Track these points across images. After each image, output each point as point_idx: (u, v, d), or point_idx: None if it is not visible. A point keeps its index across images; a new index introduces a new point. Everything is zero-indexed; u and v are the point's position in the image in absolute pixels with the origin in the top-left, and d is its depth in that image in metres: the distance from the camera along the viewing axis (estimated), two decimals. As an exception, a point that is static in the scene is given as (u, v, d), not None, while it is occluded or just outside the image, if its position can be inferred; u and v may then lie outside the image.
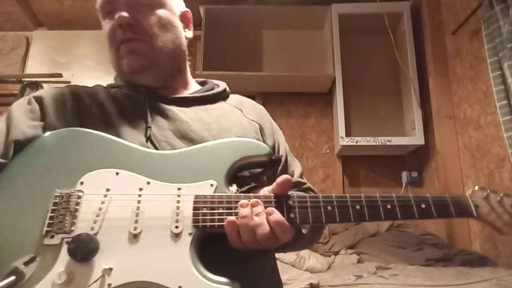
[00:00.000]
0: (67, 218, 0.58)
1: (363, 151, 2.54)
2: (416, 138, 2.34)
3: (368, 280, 1.47)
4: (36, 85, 2.71)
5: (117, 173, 0.63)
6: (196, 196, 0.62)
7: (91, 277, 0.54)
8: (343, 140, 2.36)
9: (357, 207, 0.63)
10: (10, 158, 0.64)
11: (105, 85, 0.85)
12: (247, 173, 0.71)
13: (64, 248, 0.55)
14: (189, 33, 0.86)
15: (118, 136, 0.69)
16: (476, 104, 2.01)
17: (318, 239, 0.85)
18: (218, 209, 0.61)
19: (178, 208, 0.61)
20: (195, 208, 0.61)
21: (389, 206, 0.63)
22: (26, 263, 0.54)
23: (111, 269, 0.55)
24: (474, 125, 2.02)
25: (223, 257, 0.62)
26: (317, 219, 0.62)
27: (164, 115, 0.75)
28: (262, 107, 0.93)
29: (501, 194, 0.67)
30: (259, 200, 0.61)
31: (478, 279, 1.40)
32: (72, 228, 0.57)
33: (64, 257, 0.55)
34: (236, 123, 0.79)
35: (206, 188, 0.63)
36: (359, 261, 1.93)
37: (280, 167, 0.82)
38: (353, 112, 2.58)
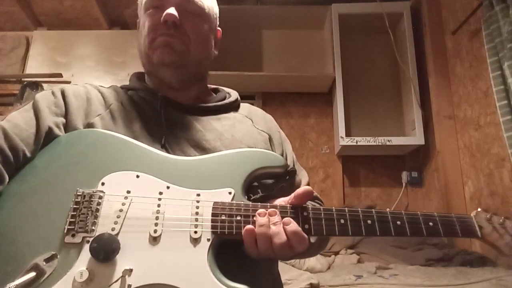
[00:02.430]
0: (88, 217, 0.59)
1: (363, 151, 2.54)
2: (416, 138, 2.34)
3: (368, 280, 1.47)
4: (36, 85, 2.71)
5: (137, 176, 0.64)
6: (215, 203, 0.63)
7: (112, 277, 0.55)
8: (343, 140, 2.36)
9: (369, 221, 0.65)
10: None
11: (115, 84, 0.88)
12: (257, 183, 0.73)
13: (86, 247, 0.56)
14: (216, 51, 0.89)
15: (136, 138, 0.71)
16: (476, 104, 2.01)
17: (323, 248, 0.87)
18: (236, 217, 0.62)
19: (197, 213, 0.62)
20: (214, 215, 0.62)
21: (399, 223, 0.65)
22: (47, 260, 0.55)
23: (131, 270, 0.55)
24: (474, 125, 2.02)
25: (233, 261, 0.63)
26: (330, 231, 0.64)
27: (179, 123, 0.77)
28: (271, 117, 0.95)
29: (503, 217, 0.70)
30: (276, 210, 0.63)
31: (478, 279, 1.40)
32: (93, 228, 0.58)
33: (85, 256, 0.55)
34: (247, 133, 0.82)
35: (224, 195, 0.65)
36: (359, 261, 1.93)
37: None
38: (353, 112, 2.58)
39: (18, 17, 2.91)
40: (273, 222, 0.61)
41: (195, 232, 0.60)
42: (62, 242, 0.57)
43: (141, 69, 0.90)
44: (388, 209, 0.67)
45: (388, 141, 2.34)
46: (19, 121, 0.67)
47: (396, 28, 2.61)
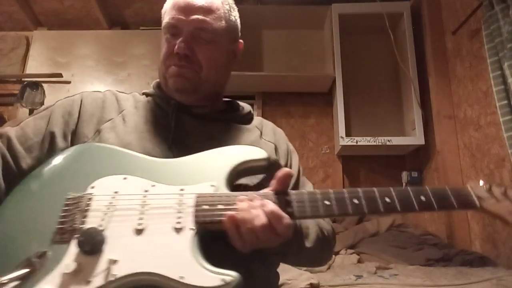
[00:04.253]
0: (77, 216, 0.63)
1: (363, 151, 2.54)
2: (416, 138, 2.34)
3: (368, 280, 1.47)
4: (36, 85, 2.71)
5: (124, 178, 0.69)
6: (198, 195, 0.65)
7: (98, 267, 0.57)
8: (343, 140, 2.36)
9: (355, 200, 0.63)
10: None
11: (110, 87, 0.93)
12: (250, 183, 0.74)
13: (73, 242, 0.60)
14: (236, 64, 0.95)
15: (143, 140, 0.77)
16: (476, 104, 2.01)
17: (326, 257, 0.86)
18: (218, 206, 0.63)
19: (180, 205, 0.64)
20: (196, 205, 0.63)
21: (388, 200, 0.63)
22: (39, 257, 0.59)
23: (116, 261, 0.58)
24: (474, 125, 2.02)
25: (228, 258, 0.62)
26: (315, 212, 0.63)
27: (188, 128, 0.81)
28: (281, 130, 0.97)
29: (504, 187, 0.67)
30: (256, 195, 0.63)
31: (478, 279, 1.40)
32: (82, 226, 0.62)
33: (73, 250, 0.59)
34: (254, 142, 0.83)
35: (207, 188, 0.66)
36: (359, 261, 1.92)
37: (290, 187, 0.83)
38: (353, 112, 2.58)
39: (18, 17, 2.91)
40: (253, 206, 0.61)
41: (178, 222, 0.62)
42: (53, 240, 0.61)
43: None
44: (375, 188, 0.65)
45: (388, 141, 2.34)
46: (29, 129, 0.76)
47: (396, 28, 2.61)
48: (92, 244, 0.58)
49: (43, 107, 0.83)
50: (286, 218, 0.60)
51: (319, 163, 2.70)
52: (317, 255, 0.80)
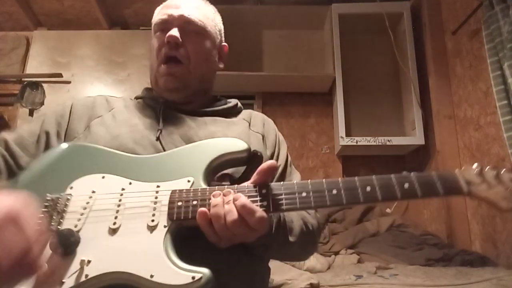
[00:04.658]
0: (54, 217, 0.63)
1: (363, 151, 2.54)
2: (416, 138, 2.34)
3: (368, 280, 1.47)
4: (36, 85, 2.71)
5: (103, 177, 0.69)
6: (173, 191, 0.64)
7: (71, 269, 0.58)
8: (343, 140, 2.36)
9: (334, 191, 0.61)
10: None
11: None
12: (235, 174, 0.73)
13: (47, 244, 0.59)
14: (221, 64, 0.97)
15: (133, 132, 0.79)
16: (476, 104, 2.01)
17: (310, 251, 0.85)
18: (193, 202, 0.62)
19: (155, 203, 0.64)
20: (171, 202, 0.63)
21: (368, 189, 0.61)
22: None
23: (89, 261, 0.58)
24: (474, 125, 2.02)
25: (211, 253, 0.62)
26: (290, 205, 0.61)
27: (175, 121, 0.83)
28: (271, 120, 0.97)
29: (498, 169, 0.61)
30: (231, 190, 0.62)
31: (478, 279, 1.40)
32: (59, 227, 0.62)
33: (47, 252, 0.57)
34: (241, 133, 0.84)
35: (183, 184, 0.66)
36: (359, 261, 1.92)
37: (276, 176, 0.83)
38: (353, 112, 2.58)
39: (18, 17, 2.91)
40: (226, 201, 0.60)
41: (152, 220, 0.61)
42: None
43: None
44: (356, 177, 0.62)
45: (388, 141, 2.34)
46: (24, 132, 0.81)
47: (396, 28, 2.61)
48: (65, 246, 0.58)
49: (35, 116, 0.88)
50: (259, 212, 0.59)
51: (319, 163, 2.70)
52: (301, 249, 0.79)
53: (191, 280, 0.55)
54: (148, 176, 0.68)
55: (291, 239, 0.72)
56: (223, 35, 0.99)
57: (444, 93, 2.28)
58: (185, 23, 0.86)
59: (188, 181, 0.66)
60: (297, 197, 0.61)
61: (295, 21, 2.75)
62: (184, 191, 0.64)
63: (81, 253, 0.59)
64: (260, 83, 2.65)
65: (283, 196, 0.62)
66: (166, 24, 0.87)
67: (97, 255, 0.59)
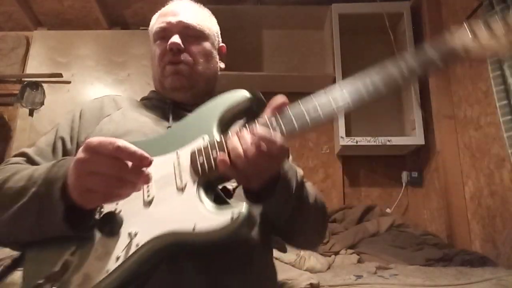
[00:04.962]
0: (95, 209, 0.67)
1: (363, 151, 2.54)
2: (416, 138, 2.34)
3: (368, 280, 1.47)
4: (36, 85, 2.71)
5: None
6: (192, 152, 0.67)
7: (122, 243, 0.63)
8: (343, 140, 2.36)
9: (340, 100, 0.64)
10: None
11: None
12: (230, 188, 0.75)
13: (95, 230, 0.65)
14: (222, 64, 1.01)
15: (143, 127, 0.82)
16: (476, 104, 2.01)
17: (321, 229, 0.87)
18: (212, 154, 0.64)
19: (178, 167, 0.67)
20: (192, 161, 0.66)
21: (371, 88, 0.67)
22: (72, 254, 0.64)
23: (136, 233, 0.63)
24: (474, 125, 2.02)
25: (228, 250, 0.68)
26: (302, 125, 0.62)
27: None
28: None
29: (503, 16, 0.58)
30: (243, 128, 0.63)
31: (478, 279, 1.40)
32: (101, 215, 0.67)
33: (97, 236, 0.65)
34: None
35: (199, 143, 0.68)
36: (359, 261, 1.92)
37: None
38: (353, 112, 2.58)
39: (18, 17, 2.91)
40: (242, 138, 0.61)
41: (180, 182, 0.65)
42: (79, 238, 0.65)
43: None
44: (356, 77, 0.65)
45: (388, 141, 2.34)
46: (41, 143, 0.85)
47: (396, 28, 2.61)
48: (111, 226, 0.64)
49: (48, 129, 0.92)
50: (278, 137, 0.60)
51: (319, 163, 2.70)
52: (315, 218, 0.79)
53: (229, 222, 0.56)
54: (166, 149, 0.71)
55: (307, 198, 0.75)
56: (220, 36, 1.02)
57: (444, 93, 2.28)
58: (184, 29, 0.89)
59: (203, 138, 0.68)
60: (307, 115, 0.62)
61: (295, 21, 2.75)
62: (202, 147, 0.66)
63: (126, 228, 0.64)
64: (260, 83, 2.65)
65: (293, 118, 0.63)
66: (166, 32, 0.90)
67: (141, 225, 0.63)
